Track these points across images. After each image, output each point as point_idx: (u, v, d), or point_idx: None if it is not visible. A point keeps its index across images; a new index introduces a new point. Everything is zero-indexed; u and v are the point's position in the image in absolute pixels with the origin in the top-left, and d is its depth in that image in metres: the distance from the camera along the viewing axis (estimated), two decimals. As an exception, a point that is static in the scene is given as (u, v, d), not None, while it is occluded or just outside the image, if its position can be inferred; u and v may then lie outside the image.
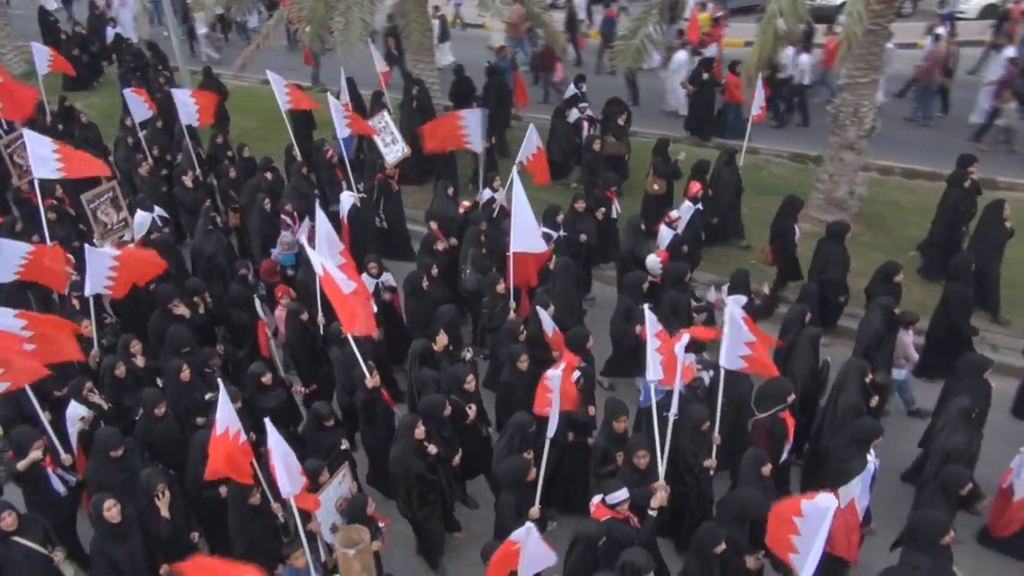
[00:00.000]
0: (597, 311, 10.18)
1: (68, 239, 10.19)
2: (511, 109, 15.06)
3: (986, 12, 19.34)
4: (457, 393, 7.13)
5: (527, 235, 8.61)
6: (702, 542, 5.54)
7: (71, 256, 9.30)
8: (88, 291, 8.32)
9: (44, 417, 7.11)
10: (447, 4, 22.94)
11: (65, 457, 7.10)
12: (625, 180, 12.53)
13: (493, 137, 12.82)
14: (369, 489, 7.51)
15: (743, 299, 7.99)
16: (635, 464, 6.26)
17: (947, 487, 6.00)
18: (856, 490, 5.93)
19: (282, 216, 10.16)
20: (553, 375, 6.32)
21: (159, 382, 7.94)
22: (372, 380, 7.17)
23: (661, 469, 6.29)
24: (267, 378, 7.43)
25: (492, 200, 10.37)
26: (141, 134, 12.92)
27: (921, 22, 17.68)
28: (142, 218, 10.39)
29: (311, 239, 8.96)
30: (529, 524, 5.16)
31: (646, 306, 6.77)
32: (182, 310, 8.47)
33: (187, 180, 11.28)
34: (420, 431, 6.54)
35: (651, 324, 6.50)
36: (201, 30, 21.77)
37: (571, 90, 13.57)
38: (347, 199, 10.76)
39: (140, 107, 12.86)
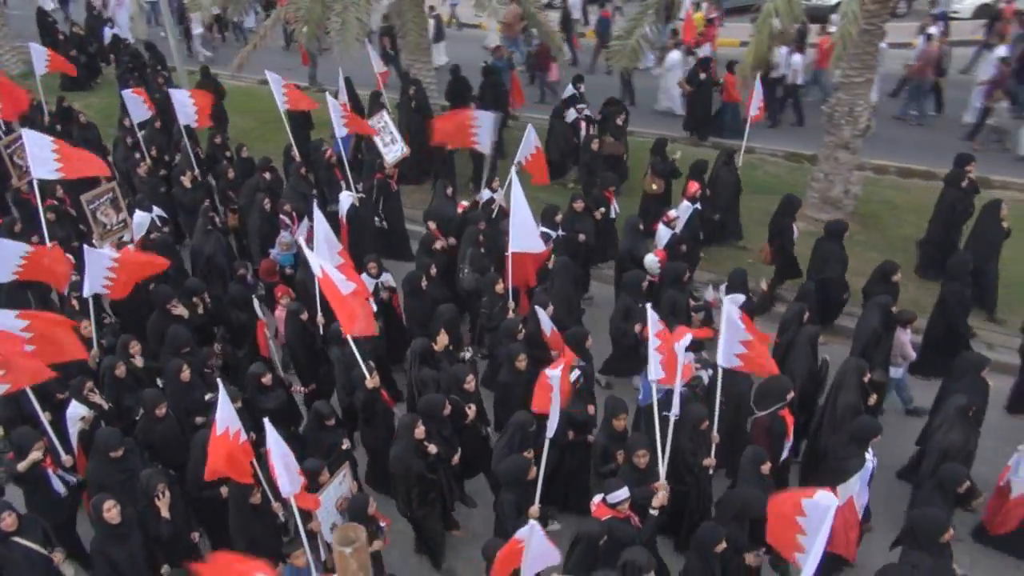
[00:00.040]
0: (595, 310, 10.20)
1: (67, 239, 10.17)
2: (508, 109, 15.09)
3: (980, 12, 19.42)
4: (457, 393, 7.14)
5: (525, 235, 8.63)
6: (703, 541, 5.56)
7: (71, 257, 9.30)
8: (87, 291, 8.31)
9: (44, 418, 7.09)
10: (443, 4, 22.97)
11: (66, 458, 7.09)
12: (625, 181, 12.57)
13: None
14: (368, 489, 7.53)
15: (741, 298, 8.00)
16: (635, 463, 6.27)
17: (945, 485, 6.02)
18: (855, 488, 5.97)
19: (281, 216, 10.17)
20: (553, 374, 6.32)
21: (159, 382, 7.97)
22: (372, 381, 7.18)
23: (662, 469, 6.29)
24: (267, 379, 7.43)
25: (491, 200, 10.38)
26: (140, 135, 12.93)
27: (915, 22, 17.76)
28: (141, 218, 10.38)
29: (310, 239, 8.98)
30: (533, 522, 5.18)
31: (648, 305, 6.75)
32: (180, 310, 8.48)
33: (185, 180, 11.27)
34: (420, 431, 6.55)
35: (652, 323, 6.51)
36: (197, 30, 21.77)
37: (569, 90, 13.59)
38: (346, 199, 10.77)
39: (138, 108, 12.85)
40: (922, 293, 9.93)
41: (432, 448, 6.65)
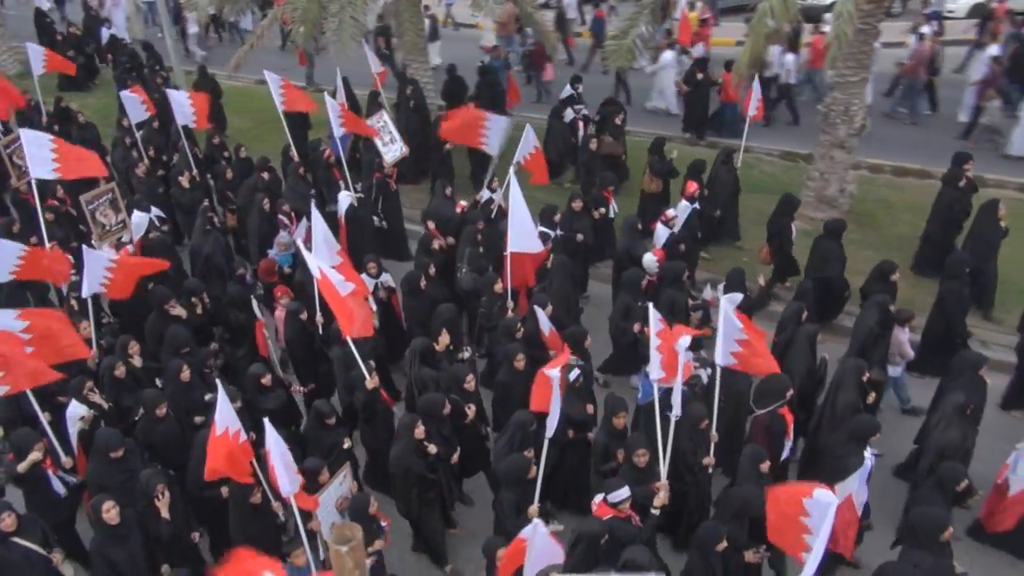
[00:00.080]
0: (592, 310, 10.23)
1: (66, 240, 10.16)
2: (505, 109, 15.12)
3: (974, 11, 19.50)
4: (457, 392, 7.16)
5: (524, 235, 8.65)
6: (704, 540, 5.58)
7: (70, 257, 9.30)
8: (85, 292, 8.32)
9: (44, 419, 7.08)
10: (438, 4, 22.98)
11: (65, 460, 7.09)
12: (625, 181, 12.59)
13: None
14: (367, 488, 7.54)
15: (739, 297, 8.03)
16: (635, 462, 6.28)
17: (944, 484, 6.04)
18: (853, 486, 5.98)
19: (279, 216, 10.18)
20: (552, 373, 6.32)
21: (157, 383, 7.98)
22: (372, 381, 7.20)
23: (663, 468, 6.31)
24: (267, 379, 7.45)
25: (490, 200, 10.40)
26: (138, 135, 12.91)
27: (910, 21, 17.82)
28: (139, 219, 10.37)
29: (308, 240, 8.99)
30: (536, 521, 5.20)
31: (650, 305, 6.75)
32: (178, 311, 8.49)
33: (184, 181, 11.28)
34: (420, 431, 6.57)
35: (653, 322, 6.51)
36: (192, 29, 21.76)
37: (567, 90, 13.60)
38: (344, 199, 10.76)
39: (136, 108, 12.83)
40: (917, 291, 9.97)
41: (432, 448, 6.66)
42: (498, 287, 8.63)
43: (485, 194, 10.58)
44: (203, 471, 6.22)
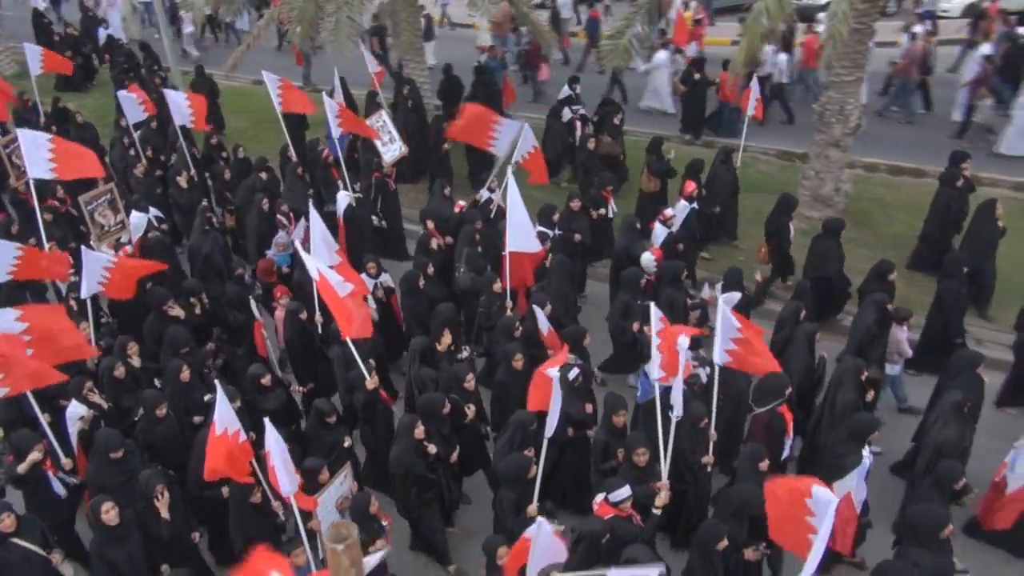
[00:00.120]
0: (590, 309, 10.25)
1: (65, 240, 10.17)
2: (502, 109, 15.14)
3: (968, 11, 19.58)
4: (457, 391, 7.17)
5: (522, 235, 8.67)
6: (704, 539, 5.60)
7: (69, 258, 9.30)
8: (84, 293, 8.33)
9: (44, 419, 7.08)
10: (434, 4, 22.98)
11: (65, 462, 7.09)
12: (625, 182, 12.62)
13: None
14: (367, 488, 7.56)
15: (736, 295, 8.06)
16: (635, 462, 6.30)
17: (941, 482, 6.06)
18: (852, 484, 6.02)
19: (278, 216, 10.19)
20: (552, 373, 6.34)
21: (156, 383, 7.99)
22: (372, 381, 7.22)
23: (665, 468, 6.31)
24: (267, 379, 7.46)
25: (489, 200, 10.42)
26: (135, 135, 12.91)
27: (904, 20, 17.88)
28: (137, 219, 10.36)
29: (306, 240, 9.01)
30: (540, 519, 5.22)
31: (652, 304, 6.75)
32: (176, 311, 8.50)
33: (182, 181, 11.28)
34: (420, 431, 6.58)
35: (655, 320, 6.50)
36: (187, 29, 21.75)
37: (565, 91, 13.62)
38: (343, 199, 10.77)
39: (134, 108, 12.81)
40: (912, 290, 10.03)
41: (432, 448, 6.68)
42: (497, 287, 8.65)
43: (484, 194, 10.59)
44: (203, 471, 6.23)
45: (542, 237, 9.33)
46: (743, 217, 11.68)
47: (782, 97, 15.70)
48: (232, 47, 17.98)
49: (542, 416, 6.44)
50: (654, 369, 6.37)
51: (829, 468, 6.36)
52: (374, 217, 11.45)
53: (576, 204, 10.10)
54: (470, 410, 7.16)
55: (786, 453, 7.03)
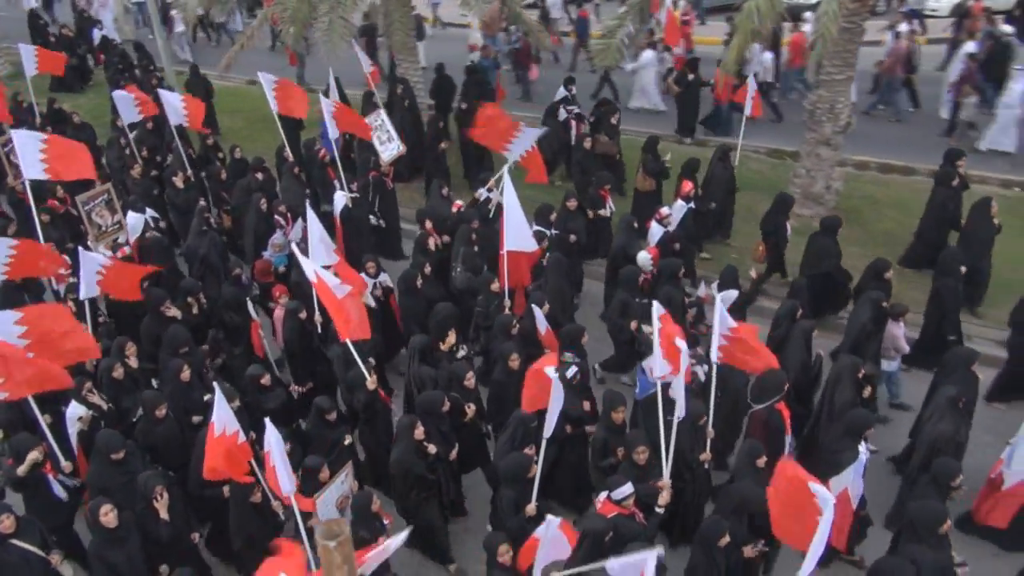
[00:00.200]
0: (585, 306, 10.31)
1: (62, 241, 10.15)
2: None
3: (957, 9, 19.73)
4: (457, 390, 7.20)
5: (519, 234, 8.70)
6: (706, 536, 5.64)
7: (66, 258, 9.28)
8: (83, 294, 8.31)
9: (44, 421, 7.07)
10: (426, 4, 22.97)
11: (65, 464, 7.09)
12: (624, 181, 12.67)
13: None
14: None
15: (734, 294, 8.10)
16: (635, 460, 6.32)
17: (938, 479, 6.11)
18: (848, 479, 6.07)
19: (276, 216, 10.21)
20: (549, 371, 6.36)
21: (154, 384, 8.00)
22: (372, 382, 7.26)
23: (666, 468, 6.32)
24: (266, 379, 7.49)
25: (488, 200, 10.44)
26: (131, 136, 12.88)
27: (890, 19, 18.00)
28: (134, 220, 10.34)
29: (304, 239, 9.02)
30: (550, 517, 5.28)
31: (655, 302, 6.75)
32: (173, 312, 8.50)
33: (178, 181, 11.26)
34: (419, 432, 6.61)
35: (656, 317, 6.49)
36: (178, 28, 21.69)
37: (561, 92, 13.64)
38: (340, 199, 10.77)
39: (129, 109, 12.79)
40: (904, 286, 10.12)
41: (432, 448, 6.71)
42: (495, 286, 8.67)
43: (483, 193, 10.59)
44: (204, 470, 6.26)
45: (539, 236, 9.34)
46: (736, 216, 11.75)
47: (768, 96, 15.79)
48: (224, 48, 17.97)
49: (542, 414, 6.45)
50: (656, 366, 6.35)
51: (826, 464, 6.42)
52: (372, 216, 11.46)
53: (572, 204, 10.14)
54: (470, 408, 7.19)
55: (787, 450, 7.04)
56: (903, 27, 15.57)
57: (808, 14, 15.62)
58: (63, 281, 9.40)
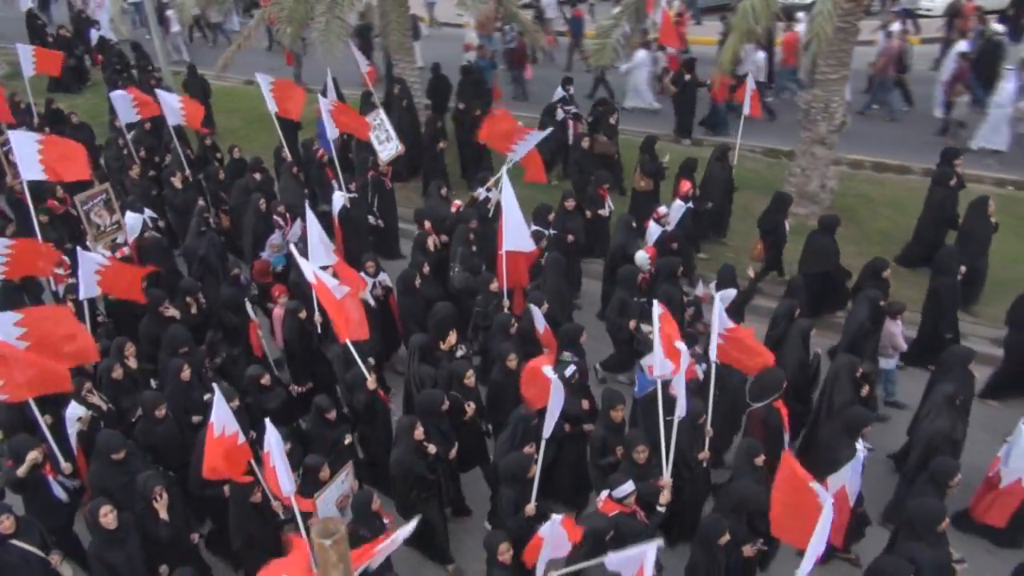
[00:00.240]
0: (584, 306, 10.34)
1: (61, 241, 10.14)
2: (491, 108, 15.17)
3: (950, 9, 19.80)
4: (457, 389, 7.22)
5: (518, 234, 8.71)
6: (707, 534, 5.66)
7: (65, 258, 9.27)
8: (83, 294, 8.31)
9: (44, 422, 7.07)
10: (422, 4, 22.96)
11: (65, 466, 7.09)
12: (623, 181, 12.67)
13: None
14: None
15: (732, 293, 8.14)
16: (635, 459, 6.33)
17: (936, 478, 6.13)
18: (846, 477, 6.09)
19: (275, 216, 10.22)
20: (548, 371, 6.37)
21: (152, 384, 8.00)
22: (372, 381, 7.28)
23: (667, 469, 6.34)
24: (266, 379, 7.50)
25: (487, 200, 10.45)
26: (129, 136, 12.86)
27: (882, 19, 18.04)
28: (133, 220, 10.33)
29: (303, 239, 9.04)
30: (555, 516, 5.30)
31: (656, 301, 6.77)
32: (172, 312, 8.51)
33: (176, 181, 11.25)
34: (419, 432, 6.63)
35: (656, 316, 6.49)
36: (174, 28, 21.66)
37: (559, 92, 13.66)
38: (338, 199, 10.77)
39: (127, 109, 12.78)
40: (899, 285, 10.15)
41: (432, 448, 6.72)
42: (493, 286, 8.69)
43: (482, 192, 10.60)
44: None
45: (537, 236, 9.37)
46: (732, 214, 11.79)
47: (761, 95, 15.80)
48: (220, 48, 17.95)
49: (541, 413, 6.46)
50: (656, 364, 6.35)
51: (823, 462, 6.45)
52: (370, 216, 11.47)
53: (571, 203, 10.16)
54: (470, 407, 7.20)
55: (787, 448, 7.06)
56: (895, 27, 15.62)
57: (801, 14, 15.66)
58: (62, 281, 9.40)
